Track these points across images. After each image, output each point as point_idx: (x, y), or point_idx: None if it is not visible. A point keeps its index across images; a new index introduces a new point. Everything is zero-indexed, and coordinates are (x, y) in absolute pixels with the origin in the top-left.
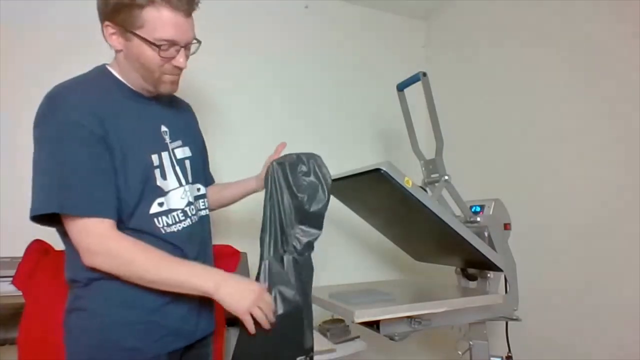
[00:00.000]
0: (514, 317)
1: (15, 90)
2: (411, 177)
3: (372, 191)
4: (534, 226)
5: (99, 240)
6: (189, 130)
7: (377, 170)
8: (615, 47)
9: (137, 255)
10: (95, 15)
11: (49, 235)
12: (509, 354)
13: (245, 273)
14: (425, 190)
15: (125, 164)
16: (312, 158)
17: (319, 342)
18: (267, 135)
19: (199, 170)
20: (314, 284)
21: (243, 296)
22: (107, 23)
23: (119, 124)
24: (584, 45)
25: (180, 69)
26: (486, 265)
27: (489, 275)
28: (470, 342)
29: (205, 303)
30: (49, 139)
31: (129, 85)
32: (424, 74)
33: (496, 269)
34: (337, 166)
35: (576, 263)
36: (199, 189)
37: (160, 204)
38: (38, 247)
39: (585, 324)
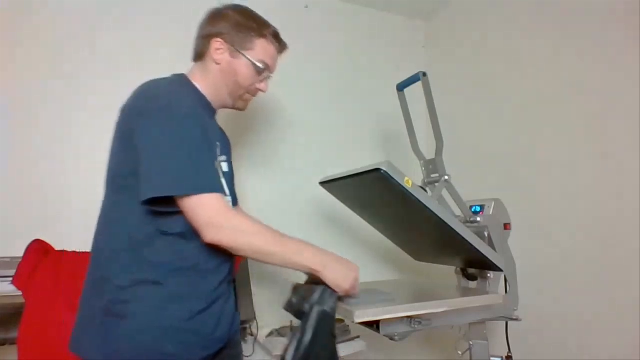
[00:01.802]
0: (514, 317)
1: (15, 90)
2: (411, 177)
3: (372, 191)
4: (534, 226)
5: (224, 215)
6: (229, 149)
7: (377, 170)
8: (616, 46)
9: (258, 229)
10: (95, 16)
11: (49, 235)
12: (509, 354)
13: (246, 273)
14: (425, 190)
15: (214, 159)
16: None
17: None
18: (266, 135)
19: (233, 188)
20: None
21: (346, 276)
22: (218, 39)
23: (205, 128)
24: (585, 45)
25: (255, 93)
26: (486, 265)
27: (489, 275)
28: (470, 342)
29: (234, 307)
30: (174, 128)
31: (206, 97)
32: (424, 74)
33: (496, 269)
34: (337, 166)
35: (576, 263)
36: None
37: None
38: (38, 247)
39: (586, 324)
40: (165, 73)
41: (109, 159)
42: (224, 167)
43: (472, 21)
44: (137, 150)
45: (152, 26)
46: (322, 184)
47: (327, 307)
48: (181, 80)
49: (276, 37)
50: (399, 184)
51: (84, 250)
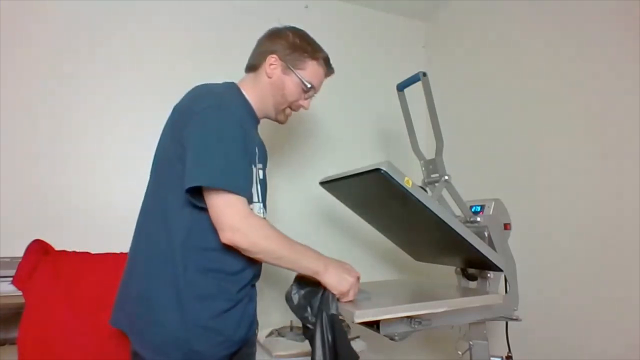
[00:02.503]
0: (514, 317)
1: (15, 90)
2: (411, 177)
3: (372, 191)
4: (534, 226)
5: (245, 219)
6: (265, 159)
7: (377, 170)
8: (616, 47)
9: (270, 234)
10: (95, 16)
11: (49, 235)
12: (509, 354)
13: None
14: (425, 190)
15: (249, 162)
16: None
17: None
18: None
19: (266, 197)
20: None
21: (342, 279)
22: (273, 56)
23: (248, 133)
24: (585, 45)
25: (297, 109)
26: (486, 265)
27: (489, 275)
28: (470, 342)
29: (254, 310)
30: (219, 127)
31: (252, 106)
32: (424, 74)
33: (496, 269)
34: (337, 166)
35: (576, 263)
36: (265, 212)
37: (251, 209)
38: (38, 247)
39: (586, 324)
40: (166, 73)
41: (155, 159)
42: (260, 174)
43: (472, 21)
44: (183, 145)
45: (152, 26)
46: (322, 184)
47: (333, 310)
48: (232, 87)
49: (326, 62)
50: (399, 184)
51: (84, 250)
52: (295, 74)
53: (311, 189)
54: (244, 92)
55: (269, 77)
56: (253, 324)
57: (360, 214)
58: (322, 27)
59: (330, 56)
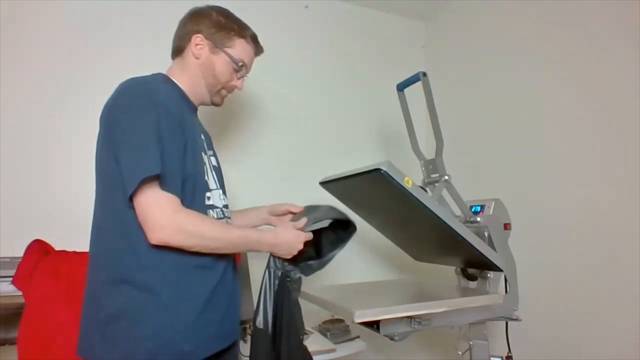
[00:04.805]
0: (514, 317)
1: (15, 90)
2: (411, 177)
3: (372, 191)
4: (534, 226)
5: (169, 213)
6: (212, 144)
7: (377, 170)
8: (617, 47)
9: (200, 226)
10: (95, 16)
11: (49, 235)
12: (509, 354)
13: (246, 272)
14: (425, 190)
15: (194, 151)
16: None
17: (319, 342)
18: (267, 136)
19: (223, 183)
20: (318, 283)
21: (291, 247)
22: (198, 36)
23: (184, 121)
24: (585, 45)
25: (231, 90)
26: (486, 265)
27: (489, 275)
28: (470, 342)
29: (237, 305)
30: (144, 115)
31: (186, 93)
32: (424, 74)
33: (496, 269)
34: (337, 166)
35: (576, 263)
36: (225, 198)
37: (208, 198)
38: (38, 247)
39: (586, 324)
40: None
41: (96, 160)
42: (213, 161)
43: (472, 21)
44: (113, 145)
45: (152, 26)
46: (322, 184)
47: (281, 270)
48: (160, 77)
49: (254, 40)
50: (399, 184)
51: (84, 250)
52: (225, 52)
53: (311, 189)
54: (174, 80)
55: (197, 58)
56: (238, 320)
57: (360, 214)
58: (322, 27)
59: (330, 56)
